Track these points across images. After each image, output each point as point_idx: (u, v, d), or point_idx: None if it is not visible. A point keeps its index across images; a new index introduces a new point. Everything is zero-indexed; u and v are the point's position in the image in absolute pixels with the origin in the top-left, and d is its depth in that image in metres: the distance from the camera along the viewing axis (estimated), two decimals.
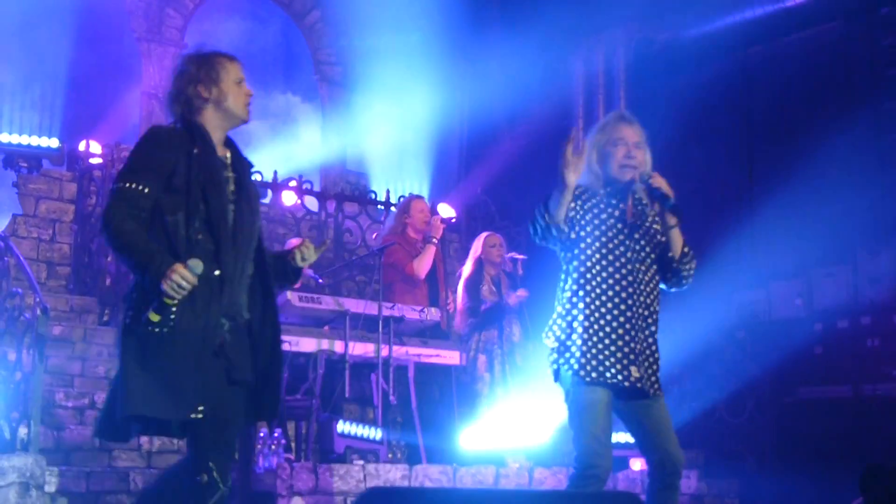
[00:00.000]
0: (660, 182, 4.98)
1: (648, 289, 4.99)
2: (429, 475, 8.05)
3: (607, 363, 4.80)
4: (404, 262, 9.54)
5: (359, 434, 8.22)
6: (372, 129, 15.34)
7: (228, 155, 4.68)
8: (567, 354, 4.89)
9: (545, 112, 14.70)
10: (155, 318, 4.25)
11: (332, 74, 14.99)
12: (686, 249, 5.09)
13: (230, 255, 4.45)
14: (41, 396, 7.44)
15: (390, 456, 8.71)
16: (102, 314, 10.22)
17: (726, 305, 12.64)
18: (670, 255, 5.06)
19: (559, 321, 5.01)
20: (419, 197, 10.15)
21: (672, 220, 5.03)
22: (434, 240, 9.64)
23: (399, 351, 8.93)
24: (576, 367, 4.83)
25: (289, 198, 11.95)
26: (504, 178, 13.90)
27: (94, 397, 8.40)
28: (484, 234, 9.75)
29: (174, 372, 4.28)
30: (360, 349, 8.77)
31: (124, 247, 4.29)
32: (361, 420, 8.65)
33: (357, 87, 15.05)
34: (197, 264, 4.23)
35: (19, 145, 11.63)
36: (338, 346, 8.64)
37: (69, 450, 7.86)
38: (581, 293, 4.92)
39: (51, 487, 6.91)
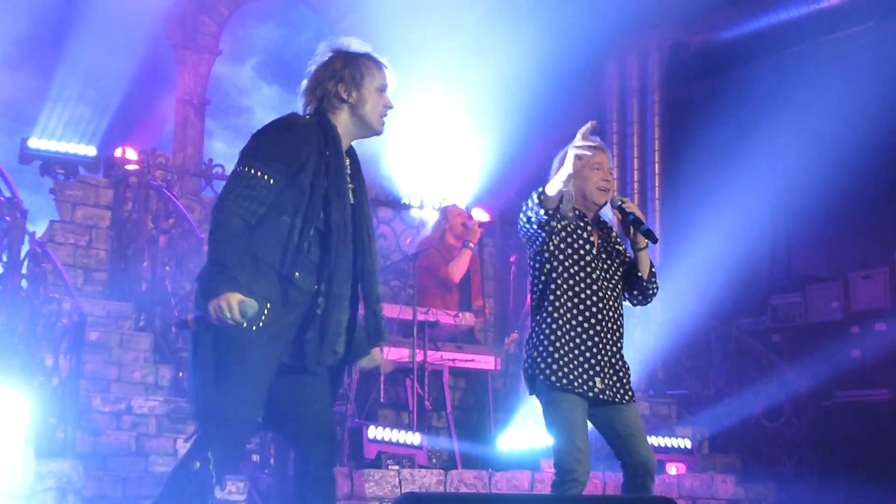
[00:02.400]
0: (632, 206, 5.24)
1: (615, 304, 5.30)
2: (464, 480, 8.04)
3: (574, 374, 5.09)
4: (440, 265, 9.55)
5: (393, 439, 8.18)
6: (406, 134, 15.36)
7: (349, 164, 4.51)
8: (542, 365, 5.14)
9: (579, 116, 14.65)
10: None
11: None
12: (653, 269, 5.41)
13: (340, 273, 4.31)
14: (78, 401, 7.50)
15: (434, 461, 8.68)
16: (139, 320, 10.26)
17: (762, 309, 12.60)
18: (639, 274, 5.36)
19: (533, 336, 5.29)
20: (455, 204, 10.18)
21: (643, 243, 5.29)
22: (471, 244, 9.64)
23: (434, 356, 8.92)
24: (548, 374, 5.10)
25: None
26: (538, 182, 13.85)
27: (131, 402, 8.44)
28: None
29: (252, 373, 4.17)
30: (395, 354, 8.77)
31: (217, 242, 4.12)
32: (396, 425, 8.64)
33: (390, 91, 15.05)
34: (252, 306, 4.07)
35: (56, 153, 11.69)
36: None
37: (106, 455, 7.90)
38: (551, 309, 5.22)
39: (88, 492, 6.95)
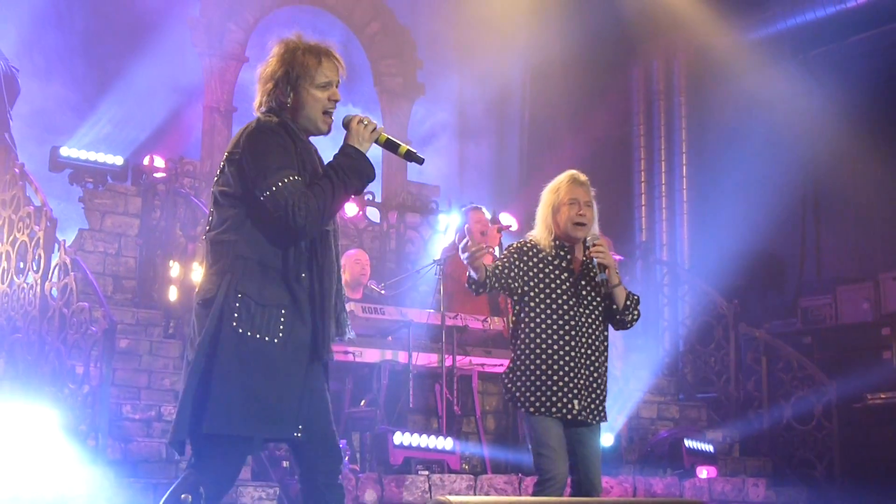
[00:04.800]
0: (598, 251, 5.54)
1: (591, 329, 5.63)
2: (494, 485, 8.03)
3: (554, 398, 5.51)
4: (463, 270, 9.53)
5: (422, 444, 8.17)
6: (433, 139, 15.38)
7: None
8: (519, 395, 5.59)
9: (605, 119, 14.66)
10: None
11: (392, 85, 15.03)
12: (629, 302, 5.70)
13: (330, 268, 4.32)
14: (109, 409, 7.53)
15: (465, 466, 8.67)
16: (168, 327, 10.29)
17: (792, 310, 12.54)
18: (613, 307, 5.70)
19: (511, 366, 5.69)
20: (477, 207, 10.12)
21: (614, 281, 5.63)
22: (490, 249, 9.62)
23: (463, 361, 8.92)
24: (528, 404, 5.55)
25: (351, 209, 11.98)
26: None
27: (161, 409, 8.46)
28: None
29: (282, 386, 4.14)
30: (424, 359, 8.77)
31: (331, 202, 4.19)
32: (425, 430, 8.63)
33: (417, 97, 15.08)
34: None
35: (86, 161, 11.75)
36: (401, 357, 8.64)
37: (136, 462, 7.91)
38: (532, 335, 5.60)
39: (118, 500, 6.97)
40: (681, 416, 10.99)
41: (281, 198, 4.10)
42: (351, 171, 4.25)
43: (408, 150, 4.42)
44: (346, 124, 4.37)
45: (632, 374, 10.62)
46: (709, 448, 9.62)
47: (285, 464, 7.82)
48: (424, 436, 8.20)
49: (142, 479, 7.57)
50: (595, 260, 5.55)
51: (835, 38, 13.07)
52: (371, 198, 12.38)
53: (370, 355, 8.57)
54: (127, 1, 13.51)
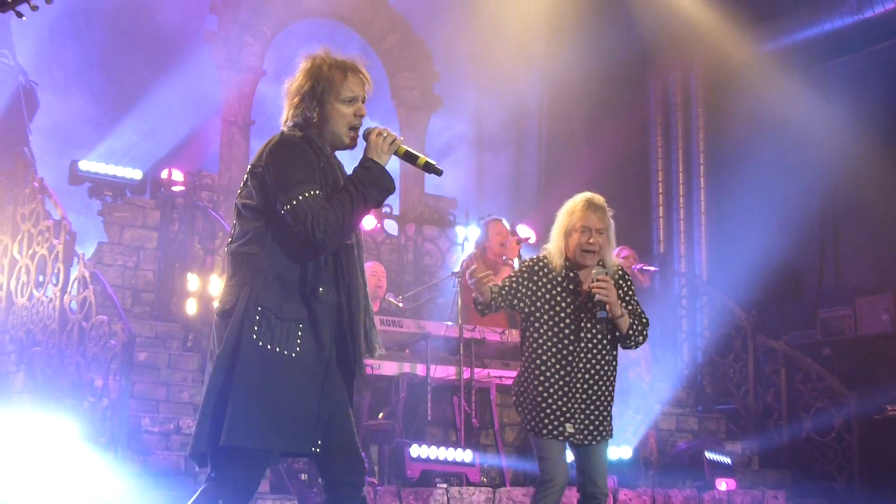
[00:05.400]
0: (600, 288, 5.64)
1: (592, 354, 5.76)
2: (513, 497, 8.02)
3: (546, 420, 5.72)
4: None
5: (441, 457, 8.16)
6: (451, 152, 15.38)
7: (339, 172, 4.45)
8: (525, 407, 5.84)
9: (623, 131, 14.65)
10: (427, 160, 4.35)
11: (410, 98, 15.04)
12: (631, 332, 5.83)
13: (356, 284, 4.32)
14: (128, 422, 7.55)
15: (484, 479, 8.65)
16: (186, 340, 10.31)
17: (811, 322, 12.49)
18: (617, 333, 5.84)
19: (519, 374, 5.93)
20: (497, 219, 10.11)
21: (617, 313, 5.75)
22: (508, 261, 9.61)
23: (481, 373, 8.91)
24: (528, 419, 5.80)
25: (369, 222, 12.00)
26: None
27: (180, 422, 8.47)
28: (617, 248, 9.57)
29: (300, 401, 4.14)
30: (442, 372, 8.77)
31: (351, 215, 4.18)
32: (444, 443, 8.62)
33: (435, 110, 15.10)
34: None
35: (105, 174, 11.78)
36: (419, 370, 8.64)
37: (155, 475, 7.92)
38: (533, 356, 5.80)
39: None
40: (700, 427, 10.95)
41: (301, 212, 4.10)
42: (370, 184, 4.24)
43: (426, 162, 4.40)
44: (366, 136, 4.36)
45: (651, 386, 10.59)
46: (727, 460, 9.60)
47: (303, 476, 7.82)
48: (442, 448, 8.19)
49: (161, 492, 7.58)
50: (595, 296, 5.67)
51: (852, 48, 13.04)
52: (389, 210, 12.39)
53: (388, 368, 8.57)
54: (145, 15, 13.55)
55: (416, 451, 8.06)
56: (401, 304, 9.48)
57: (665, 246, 14.45)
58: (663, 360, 11.57)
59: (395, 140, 4.35)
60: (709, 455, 9.39)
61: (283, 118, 4.44)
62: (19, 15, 3.83)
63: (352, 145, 4.43)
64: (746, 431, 10.97)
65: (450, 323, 9.01)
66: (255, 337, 4.12)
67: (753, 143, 13.78)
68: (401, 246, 12.43)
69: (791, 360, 11.07)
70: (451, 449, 8.25)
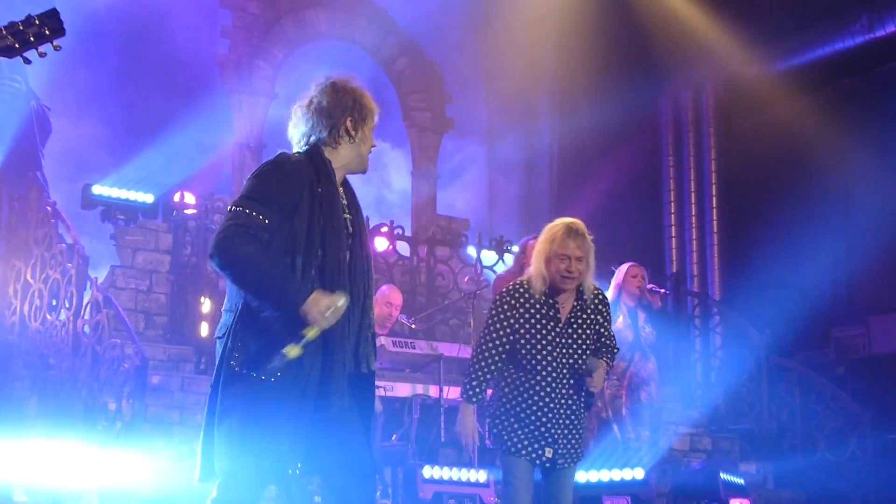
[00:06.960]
0: (594, 381, 5.78)
1: (570, 380, 5.76)
2: None
3: (525, 442, 5.68)
4: None
5: (452, 478, 8.13)
6: (463, 173, 15.41)
7: (343, 194, 4.43)
8: (499, 427, 5.75)
9: (635, 150, 14.66)
10: (295, 352, 4.01)
11: (421, 120, 15.07)
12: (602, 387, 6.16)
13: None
14: (141, 445, 7.55)
15: (497, 500, 8.62)
16: (199, 363, 10.32)
17: (825, 341, 12.46)
18: (595, 346, 5.90)
19: (492, 403, 5.88)
20: (535, 238, 10.12)
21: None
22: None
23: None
24: (503, 437, 5.72)
25: (381, 243, 12.01)
26: (595, 215, 13.86)
27: (194, 445, 8.47)
28: (627, 265, 9.53)
29: (278, 424, 4.11)
30: (455, 393, 8.75)
31: (246, 270, 4.07)
32: (457, 464, 8.60)
33: (446, 131, 15.12)
34: (341, 297, 4.06)
35: (118, 198, 11.81)
36: (432, 391, 8.64)
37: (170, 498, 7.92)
38: (512, 378, 5.76)
39: None
40: (713, 447, 10.91)
41: (230, 218, 4.12)
42: (276, 297, 4.09)
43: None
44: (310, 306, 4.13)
45: (664, 406, 10.55)
46: (741, 481, 9.55)
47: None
48: (455, 469, 8.16)
49: None
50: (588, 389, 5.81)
51: (864, 67, 13.04)
52: (401, 232, 12.40)
53: (401, 389, 8.57)
54: (156, 39, 13.61)
55: (429, 472, 8.03)
56: (413, 326, 9.47)
57: (678, 265, 14.43)
58: (676, 379, 11.54)
59: (321, 326, 4.11)
60: (723, 475, 9.34)
61: (301, 131, 4.44)
62: (27, 61, 3.87)
63: (366, 170, 4.54)
64: (760, 451, 10.94)
65: (462, 344, 9.00)
66: (232, 363, 4.14)
67: (765, 160, 13.77)
68: (413, 267, 12.44)
69: (805, 380, 11.04)
70: (464, 469, 8.22)
